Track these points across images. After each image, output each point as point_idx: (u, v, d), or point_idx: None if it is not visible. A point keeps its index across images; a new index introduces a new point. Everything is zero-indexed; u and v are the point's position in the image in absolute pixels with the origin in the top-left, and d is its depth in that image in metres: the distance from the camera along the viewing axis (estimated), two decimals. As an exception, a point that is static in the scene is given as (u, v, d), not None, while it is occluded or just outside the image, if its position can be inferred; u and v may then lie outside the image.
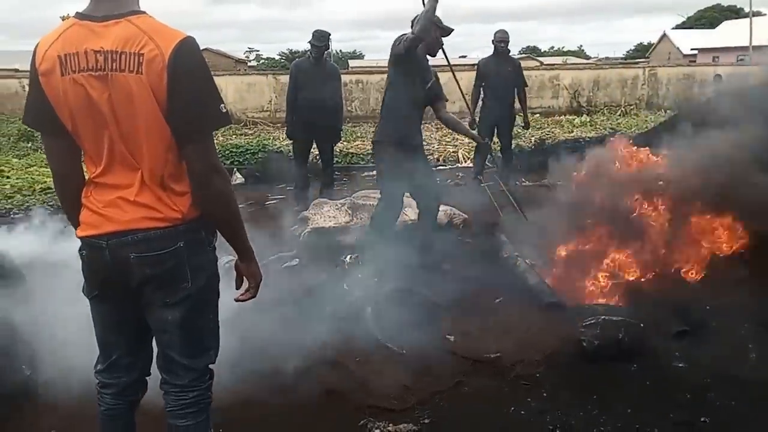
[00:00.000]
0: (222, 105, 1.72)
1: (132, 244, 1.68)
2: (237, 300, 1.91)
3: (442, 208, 5.36)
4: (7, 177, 9.00)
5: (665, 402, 2.69)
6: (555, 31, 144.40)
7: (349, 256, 3.66)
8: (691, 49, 40.73)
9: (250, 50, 52.70)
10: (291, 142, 6.92)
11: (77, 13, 1.67)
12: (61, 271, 3.77)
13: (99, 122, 1.65)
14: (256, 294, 1.92)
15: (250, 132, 14.40)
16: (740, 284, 3.57)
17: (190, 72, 1.63)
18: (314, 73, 6.33)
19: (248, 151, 9.91)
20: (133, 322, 1.86)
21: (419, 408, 2.69)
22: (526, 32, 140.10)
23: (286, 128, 6.93)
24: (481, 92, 7.59)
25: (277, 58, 50.76)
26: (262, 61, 50.56)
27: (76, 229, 1.80)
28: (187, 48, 1.62)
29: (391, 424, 2.56)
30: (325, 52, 6.50)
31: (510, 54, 7.61)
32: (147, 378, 1.99)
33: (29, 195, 8.10)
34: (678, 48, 43.24)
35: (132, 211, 1.69)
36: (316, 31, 6.38)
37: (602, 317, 3.07)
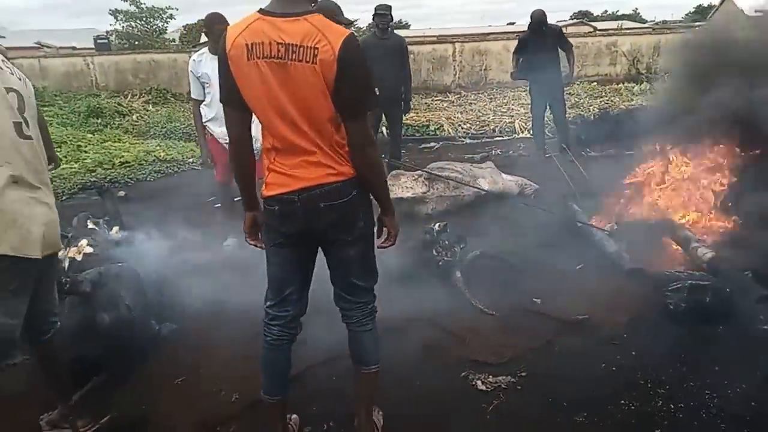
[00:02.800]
0: (375, 90, 2.07)
1: (320, 196, 2.06)
2: (380, 247, 2.33)
3: (511, 178, 5.52)
4: (86, 152, 9.53)
5: (751, 361, 2.82)
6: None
7: (437, 224, 3.87)
8: (756, 11, 38.62)
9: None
10: None
11: (261, 9, 2.01)
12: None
13: (278, 100, 1.98)
14: (395, 242, 2.35)
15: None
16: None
17: (353, 64, 1.95)
18: (381, 47, 6.48)
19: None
20: (306, 261, 2.29)
21: (515, 363, 2.91)
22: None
23: None
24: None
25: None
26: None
27: (243, 180, 2.24)
28: (350, 43, 1.94)
29: (490, 376, 2.80)
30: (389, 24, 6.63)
31: (545, 27, 7.46)
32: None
33: (110, 168, 8.60)
34: (741, 9, 41.05)
35: (317, 170, 2.05)
36: (378, 6, 6.51)
37: (689, 281, 3.19)
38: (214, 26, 4.30)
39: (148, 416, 2.72)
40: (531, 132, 9.64)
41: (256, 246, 2.34)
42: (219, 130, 4.47)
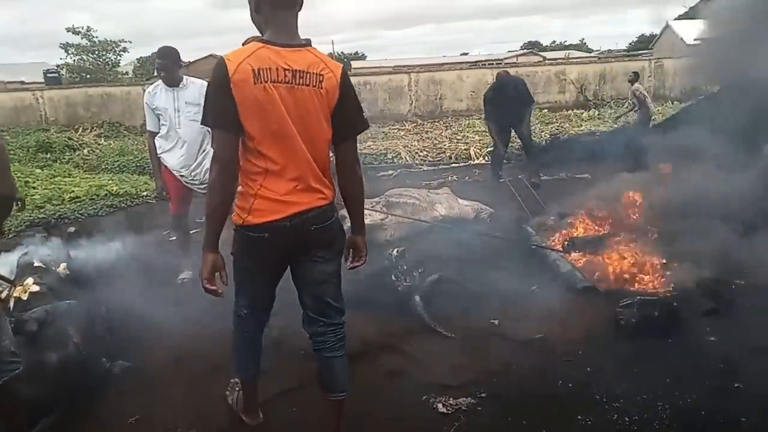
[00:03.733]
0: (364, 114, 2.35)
1: (312, 219, 2.19)
2: (351, 267, 2.51)
3: (468, 203, 5.62)
4: (34, 188, 9.24)
5: (701, 372, 2.92)
6: (560, 26, 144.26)
7: (396, 250, 3.90)
8: (695, 39, 40.73)
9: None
10: None
11: (261, 39, 2.14)
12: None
13: (283, 122, 2.10)
14: (366, 261, 2.49)
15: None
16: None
17: (350, 90, 2.22)
18: None
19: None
20: (278, 277, 2.39)
21: (475, 384, 2.93)
22: (531, 27, 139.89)
23: None
24: None
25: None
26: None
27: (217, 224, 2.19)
28: (346, 72, 2.23)
29: (451, 398, 2.81)
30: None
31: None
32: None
33: (59, 204, 8.35)
34: (682, 39, 43.22)
35: (309, 195, 2.18)
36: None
37: (638, 297, 3.30)
38: (156, 61, 4.32)
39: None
40: (487, 158, 9.89)
41: (214, 293, 2.21)
42: (174, 162, 4.44)
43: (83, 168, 11.60)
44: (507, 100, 7.36)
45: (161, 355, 3.37)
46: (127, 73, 33.66)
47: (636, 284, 3.98)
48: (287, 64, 2.07)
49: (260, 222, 2.14)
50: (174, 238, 5.05)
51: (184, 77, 4.52)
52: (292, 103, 2.08)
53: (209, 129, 4.06)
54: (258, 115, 2.07)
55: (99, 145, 14.06)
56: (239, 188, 2.20)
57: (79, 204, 8.26)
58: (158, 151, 4.51)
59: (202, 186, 4.54)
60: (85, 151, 13.31)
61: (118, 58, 32.56)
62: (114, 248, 4.71)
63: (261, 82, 2.04)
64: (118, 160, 11.79)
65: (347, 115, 2.20)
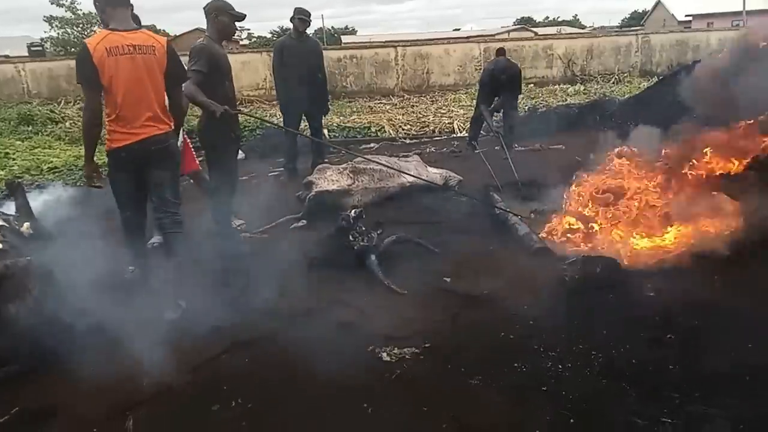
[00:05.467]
0: (188, 68, 3.83)
1: (151, 142, 3.37)
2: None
3: (436, 170, 5.71)
4: (13, 159, 9.25)
5: (637, 324, 3.05)
6: (554, 1, 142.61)
7: (353, 211, 4.00)
8: (686, 15, 40.58)
9: (241, 29, 52.48)
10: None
11: (110, 27, 3.28)
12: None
13: (131, 81, 3.27)
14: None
15: (245, 109, 14.59)
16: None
17: (173, 54, 3.47)
18: (298, 49, 6.63)
19: (246, 128, 10.14)
20: (140, 185, 3.48)
21: (419, 336, 3.05)
22: (526, 2, 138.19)
23: (279, 103, 7.24)
24: None
25: (269, 36, 50.61)
26: (254, 39, 50.34)
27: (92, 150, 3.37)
28: (169, 42, 3.47)
29: (396, 348, 2.93)
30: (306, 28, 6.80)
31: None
32: None
33: (37, 174, 8.38)
34: (672, 14, 43.05)
35: (153, 126, 3.37)
36: (298, 8, 6.65)
37: (582, 255, 3.42)
38: None
39: (56, 407, 2.72)
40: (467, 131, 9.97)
41: (95, 186, 3.50)
42: None
43: (65, 140, 11.57)
44: (501, 87, 7.38)
45: (121, 315, 3.45)
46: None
47: (589, 245, 4.10)
48: (129, 42, 3.25)
49: (119, 146, 3.33)
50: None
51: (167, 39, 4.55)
52: (135, 66, 3.26)
53: None
54: (110, 78, 3.21)
55: (81, 117, 14.00)
56: (106, 126, 3.36)
57: (57, 174, 8.29)
58: None
59: None
60: (67, 123, 13.22)
61: (104, 31, 32.08)
62: (83, 213, 4.77)
63: (113, 55, 3.20)
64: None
65: (173, 70, 3.45)
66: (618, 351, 2.85)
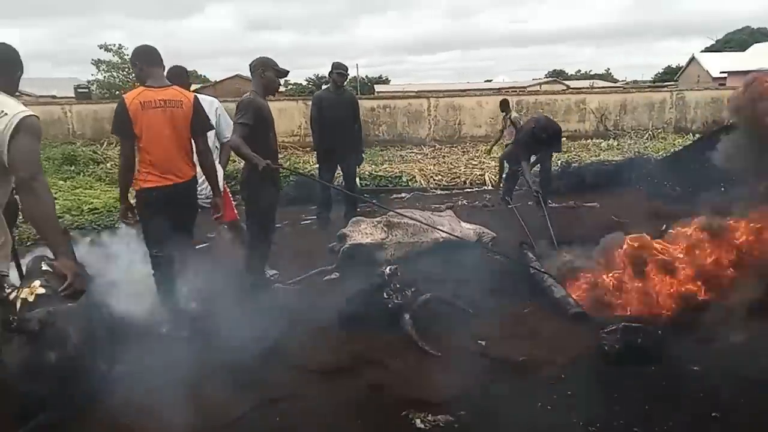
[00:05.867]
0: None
1: (176, 187, 3.81)
2: (215, 218, 4.40)
3: (470, 226, 5.69)
4: (56, 198, 9.53)
5: (680, 399, 2.93)
6: (587, 55, 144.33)
7: (389, 268, 3.99)
8: (720, 72, 40.46)
9: (278, 76, 53.75)
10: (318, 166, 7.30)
11: (145, 85, 3.77)
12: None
13: (162, 132, 3.73)
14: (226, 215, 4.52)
15: (280, 156, 14.83)
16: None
17: (199, 107, 3.93)
18: (335, 102, 6.80)
19: (281, 174, 10.27)
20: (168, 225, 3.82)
21: (455, 402, 2.98)
22: (558, 56, 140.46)
23: (316, 153, 7.38)
24: None
25: (305, 83, 51.97)
26: (290, 86, 51.79)
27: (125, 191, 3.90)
28: (196, 97, 3.99)
29: (430, 415, 2.86)
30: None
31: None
32: None
33: (78, 215, 8.62)
34: (707, 71, 42.99)
35: (178, 173, 3.82)
36: (336, 63, 6.85)
37: (622, 324, 3.33)
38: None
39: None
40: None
41: (128, 224, 4.06)
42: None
43: (105, 181, 11.92)
44: (541, 145, 7.33)
45: (157, 361, 3.48)
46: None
47: (628, 311, 4.00)
48: (161, 97, 3.73)
49: (149, 186, 3.74)
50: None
51: (195, 95, 4.73)
52: (165, 118, 3.72)
53: (217, 146, 4.48)
54: (141, 129, 3.67)
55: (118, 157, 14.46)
56: (137, 172, 3.78)
57: (96, 215, 8.51)
58: None
59: (208, 200, 4.70)
60: (109, 164, 13.65)
61: (148, 77, 33.41)
62: (122, 257, 4.86)
63: (147, 109, 3.67)
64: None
65: (197, 121, 3.88)
66: (660, 428, 2.74)
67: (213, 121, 4.79)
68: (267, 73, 4.50)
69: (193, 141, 3.91)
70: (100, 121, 16.76)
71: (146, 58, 3.80)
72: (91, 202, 9.12)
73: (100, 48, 30.49)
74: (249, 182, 4.41)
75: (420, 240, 5.15)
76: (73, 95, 21.42)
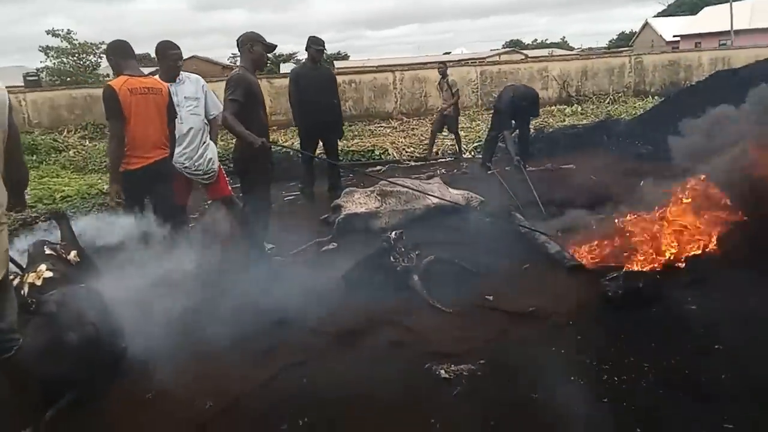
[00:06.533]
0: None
1: (160, 163, 4.15)
2: None
3: (458, 192, 5.82)
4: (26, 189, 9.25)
5: (683, 336, 3.13)
6: (543, 24, 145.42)
7: (394, 233, 4.08)
8: (674, 36, 41.48)
9: (234, 55, 52.82)
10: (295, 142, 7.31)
11: (125, 73, 3.99)
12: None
13: (150, 115, 4.03)
14: None
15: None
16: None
17: (170, 97, 4.24)
18: (314, 76, 6.79)
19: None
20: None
21: (474, 352, 3.11)
22: (514, 26, 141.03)
23: (298, 129, 7.36)
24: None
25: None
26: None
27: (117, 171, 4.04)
28: (168, 88, 4.26)
29: (452, 365, 2.99)
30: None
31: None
32: None
33: (50, 203, 8.41)
34: (660, 35, 43.99)
35: (158, 150, 4.15)
36: (314, 38, 6.83)
37: (623, 271, 3.51)
38: (168, 52, 4.46)
39: None
40: (474, 152, 10.13)
41: (119, 204, 4.08)
42: (177, 155, 4.58)
43: (70, 169, 11.63)
44: (521, 112, 7.47)
45: (173, 337, 3.51)
46: (108, 75, 33.38)
47: (618, 261, 4.19)
48: (144, 85, 4.01)
49: (135, 168, 4.03)
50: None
51: (181, 73, 4.67)
52: (149, 103, 4.02)
53: (207, 121, 4.44)
54: (130, 112, 3.92)
55: (84, 146, 14.07)
56: (126, 150, 3.98)
57: (70, 203, 8.32)
58: None
59: (206, 176, 4.69)
60: (71, 152, 13.29)
61: (99, 60, 32.36)
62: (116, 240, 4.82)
63: (135, 94, 3.94)
64: (105, 161, 11.83)
65: (170, 109, 4.21)
66: (668, 362, 2.93)
67: (201, 98, 4.75)
68: (255, 48, 4.47)
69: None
70: (56, 109, 16.19)
71: (120, 53, 4.08)
72: (63, 190, 8.90)
73: (48, 34, 29.31)
74: (243, 159, 4.40)
75: (413, 207, 5.25)
76: (22, 84, 20.56)
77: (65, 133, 15.24)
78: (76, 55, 30.50)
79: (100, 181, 9.58)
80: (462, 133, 13.51)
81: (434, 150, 11.60)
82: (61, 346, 2.95)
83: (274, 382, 3.01)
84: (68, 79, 28.19)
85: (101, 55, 32.05)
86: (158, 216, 4.20)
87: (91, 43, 30.90)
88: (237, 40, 4.53)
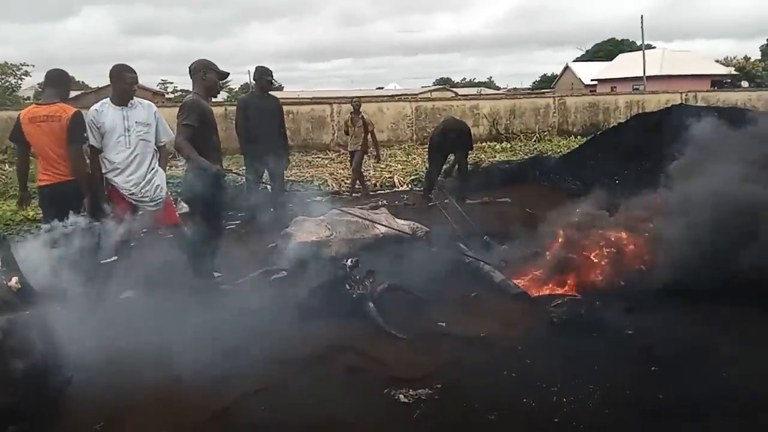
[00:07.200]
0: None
1: (57, 184, 4.47)
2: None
3: (404, 222, 5.98)
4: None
5: (622, 359, 3.37)
6: (472, 63, 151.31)
7: (350, 260, 4.15)
8: (591, 80, 44.33)
9: (164, 82, 51.75)
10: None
11: (36, 102, 4.79)
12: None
13: (44, 141, 4.36)
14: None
15: (180, 163, 14.24)
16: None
17: (75, 123, 4.37)
18: (261, 106, 6.87)
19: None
20: None
21: (430, 377, 3.21)
22: (443, 64, 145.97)
23: (243, 157, 7.36)
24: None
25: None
26: (179, 93, 49.75)
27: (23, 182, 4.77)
28: (75, 115, 4.40)
29: (411, 390, 3.07)
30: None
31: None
32: None
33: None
34: (580, 79, 46.88)
35: (54, 173, 4.42)
36: (264, 68, 6.94)
37: (567, 298, 3.74)
38: (124, 74, 4.41)
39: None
40: (411, 185, 10.40)
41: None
42: (122, 181, 4.48)
43: (-11, 193, 10.99)
44: (452, 145, 7.85)
45: (116, 368, 3.39)
46: (28, 98, 31.91)
47: (557, 289, 4.45)
48: (44, 113, 4.38)
49: (40, 185, 4.48)
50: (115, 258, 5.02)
51: (134, 98, 4.61)
52: (44, 130, 4.36)
53: (156, 148, 4.35)
54: (31, 138, 4.39)
55: (3, 170, 13.33)
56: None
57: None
58: (103, 171, 4.55)
59: (153, 203, 4.60)
60: (-11, 175, 12.58)
61: (19, 82, 30.93)
62: (53, 269, 4.62)
63: (32, 123, 4.37)
64: (28, 186, 11.24)
65: (72, 134, 4.36)
66: (611, 383, 3.13)
67: (152, 124, 4.67)
68: (208, 75, 4.51)
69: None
70: (-27, 131, 15.27)
71: (45, 81, 4.73)
72: (-3, 213, 8.40)
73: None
74: (193, 185, 4.38)
75: (362, 236, 5.34)
76: (-66, 102, 19.33)
77: (-20, 155, 14.40)
78: (-3, 75, 29.03)
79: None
80: (400, 166, 13.88)
81: (375, 183, 11.80)
82: (6, 375, 2.81)
83: (229, 410, 2.98)
84: (-11, 101, 26.67)
85: (21, 76, 30.68)
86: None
87: (11, 64, 29.50)
88: (189, 67, 4.54)
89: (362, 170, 10.50)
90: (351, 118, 9.97)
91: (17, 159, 4.77)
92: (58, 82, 4.59)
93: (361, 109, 10.03)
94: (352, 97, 10.83)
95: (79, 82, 46.66)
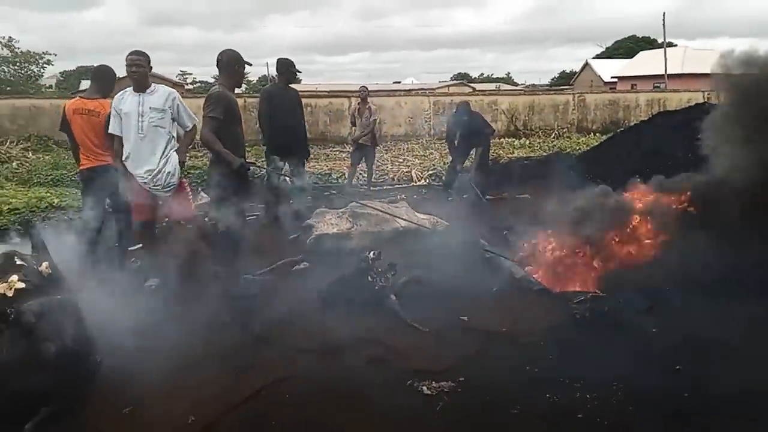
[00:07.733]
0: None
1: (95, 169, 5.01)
2: None
3: (425, 216, 5.99)
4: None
5: (647, 356, 3.36)
6: (490, 59, 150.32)
7: (372, 253, 4.18)
8: (611, 77, 43.81)
9: (183, 73, 52.17)
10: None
11: (80, 95, 5.09)
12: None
13: (85, 132, 4.88)
14: None
15: (200, 154, 14.32)
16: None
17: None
18: (284, 97, 6.90)
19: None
20: None
21: (453, 370, 3.23)
22: (461, 59, 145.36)
23: (266, 148, 7.41)
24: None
25: (212, 81, 50.39)
26: (198, 84, 50.12)
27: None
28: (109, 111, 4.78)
29: (434, 383, 3.09)
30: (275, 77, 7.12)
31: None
32: None
33: (-1, 216, 8.07)
34: (599, 76, 46.35)
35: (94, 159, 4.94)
36: (289, 60, 6.96)
37: (590, 294, 3.73)
38: (126, 57, 4.45)
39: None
40: (429, 179, 10.39)
41: None
42: (135, 168, 4.50)
43: (14, 181, 11.18)
44: (472, 134, 7.85)
45: (144, 352, 3.46)
46: (50, 86, 32.37)
47: (579, 286, 4.44)
48: (86, 107, 4.87)
49: (81, 168, 5.00)
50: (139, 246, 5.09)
51: (153, 84, 4.61)
52: (85, 122, 4.86)
53: (173, 135, 4.74)
54: (75, 128, 4.86)
55: (27, 158, 13.55)
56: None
57: (19, 216, 8.00)
58: (123, 158, 4.57)
59: (165, 189, 4.58)
60: (14, 164, 12.79)
61: (42, 70, 31.31)
62: (80, 256, 4.71)
63: (76, 114, 4.86)
64: (52, 174, 11.44)
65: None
66: (635, 380, 3.13)
67: (167, 110, 4.62)
68: (240, 69, 4.54)
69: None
70: (-2, 118, 15.57)
71: (91, 75, 5.23)
72: (10, 203, 8.54)
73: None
74: (217, 178, 4.40)
75: (383, 229, 5.37)
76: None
77: (7, 144, 14.62)
78: (18, 63, 29.38)
79: (48, 194, 9.28)
80: (417, 161, 13.89)
81: (393, 177, 11.81)
82: (40, 358, 2.88)
83: (254, 399, 3.02)
84: (8, 88, 27.07)
85: (44, 65, 31.05)
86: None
87: (34, 53, 29.86)
88: (218, 58, 4.56)
89: (372, 165, 10.24)
90: (358, 108, 9.75)
91: (70, 144, 5.23)
92: (101, 78, 5.04)
93: (368, 98, 9.80)
94: (360, 86, 10.39)
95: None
